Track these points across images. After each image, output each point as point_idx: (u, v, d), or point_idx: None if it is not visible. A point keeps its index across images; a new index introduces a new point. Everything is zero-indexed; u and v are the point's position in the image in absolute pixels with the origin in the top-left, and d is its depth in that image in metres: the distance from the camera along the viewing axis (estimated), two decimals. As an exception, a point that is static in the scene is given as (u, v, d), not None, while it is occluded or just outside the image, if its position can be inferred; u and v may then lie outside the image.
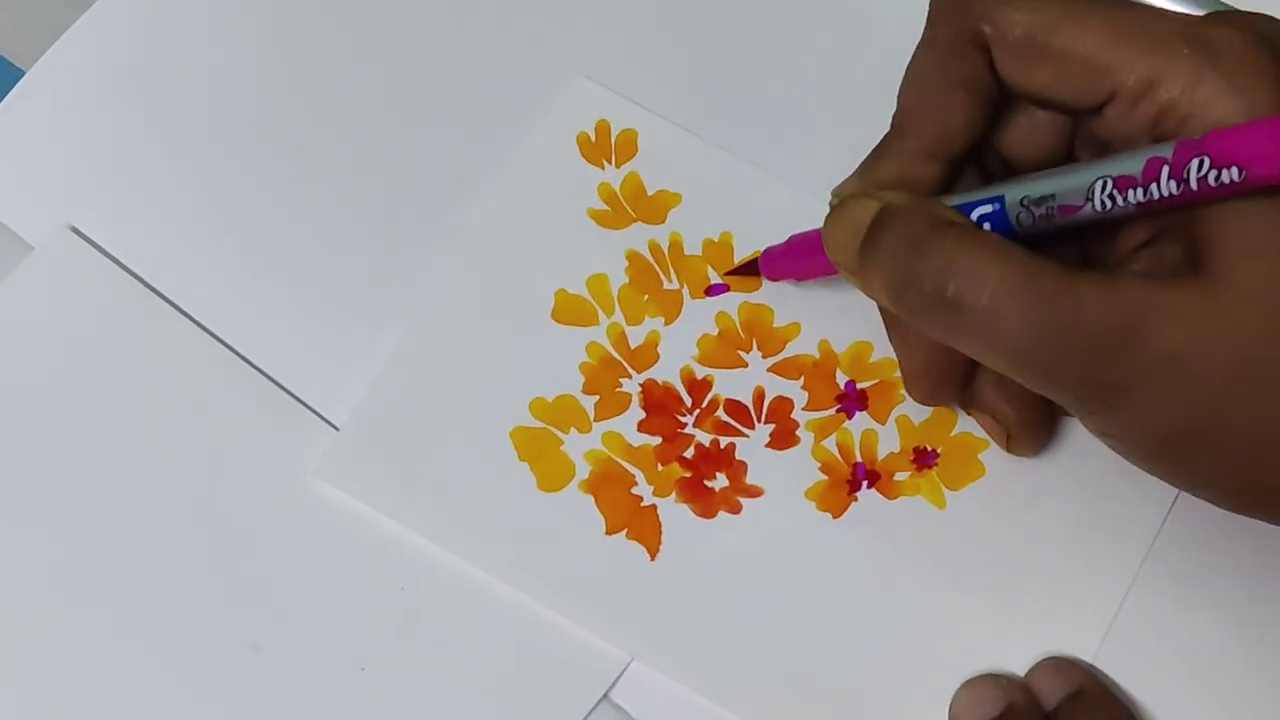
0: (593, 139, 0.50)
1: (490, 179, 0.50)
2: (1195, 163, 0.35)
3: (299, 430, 0.47)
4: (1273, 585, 0.46)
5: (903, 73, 0.43)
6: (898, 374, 0.48)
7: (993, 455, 0.47)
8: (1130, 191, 0.37)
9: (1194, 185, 0.35)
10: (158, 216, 0.49)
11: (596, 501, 0.47)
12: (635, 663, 0.46)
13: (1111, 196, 0.37)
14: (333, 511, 0.46)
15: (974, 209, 0.40)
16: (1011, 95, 0.42)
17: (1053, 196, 0.39)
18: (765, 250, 0.48)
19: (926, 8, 0.42)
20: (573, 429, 0.47)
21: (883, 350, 0.48)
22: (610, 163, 0.50)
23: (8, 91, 0.50)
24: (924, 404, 0.46)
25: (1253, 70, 0.36)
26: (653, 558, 0.46)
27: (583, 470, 0.47)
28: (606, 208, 0.49)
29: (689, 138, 0.50)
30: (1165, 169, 0.36)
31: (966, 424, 0.47)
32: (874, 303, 0.47)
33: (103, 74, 0.51)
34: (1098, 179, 0.37)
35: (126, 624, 0.46)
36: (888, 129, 0.43)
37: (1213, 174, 0.35)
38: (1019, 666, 0.45)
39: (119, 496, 0.47)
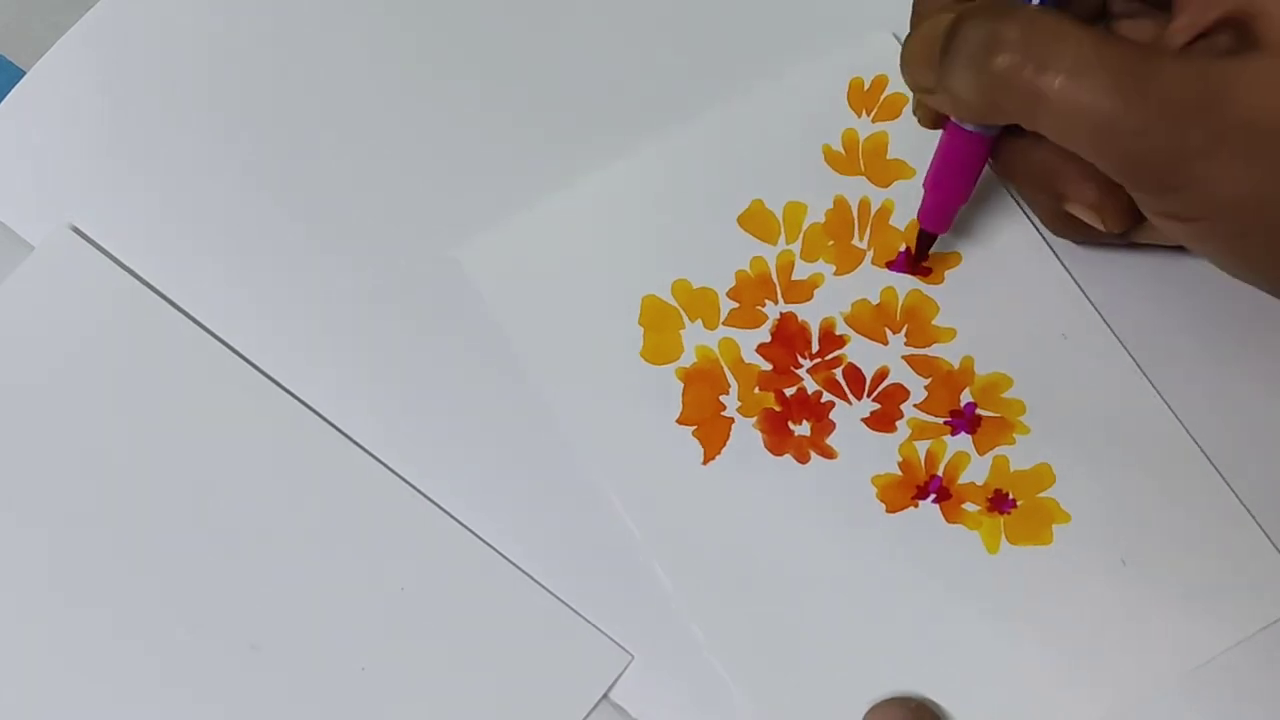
0: (865, 88, 0.51)
1: (749, 91, 0.50)
2: None
3: (299, 430, 0.47)
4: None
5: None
6: (1022, 418, 0.47)
7: (1068, 532, 0.46)
8: None
9: None
10: (158, 216, 0.49)
11: (684, 390, 0.48)
12: (635, 663, 0.46)
13: None
14: (332, 511, 0.47)
15: None
16: None
17: None
18: (919, 212, 0.47)
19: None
20: (700, 321, 0.48)
21: (1019, 391, 0.47)
22: (869, 115, 0.50)
23: (8, 91, 0.50)
24: (1123, 228, 0.43)
25: None
26: (705, 462, 0.47)
27: (688, 358, 0.48)
28: (842, 151, 0.50)
29: (949, 125, 0.50)
30: None
31: (1059, 492, 0.46)
32: (1029, 339, 0.46)
33: (103, 74, 0.50)
34: None
35: (126, 623, 0.46)
36: None
37: None
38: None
39: (118, 496, 0.47)
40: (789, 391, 0.48)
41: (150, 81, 0.50)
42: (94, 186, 0.49)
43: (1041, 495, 0.46)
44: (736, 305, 0.48)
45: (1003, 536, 0.46)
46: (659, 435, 0.47)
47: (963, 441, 0.47)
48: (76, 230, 0.49)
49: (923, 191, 0.46)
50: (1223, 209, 0.38)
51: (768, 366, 0.48)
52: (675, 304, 0.48)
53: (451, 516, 0.47)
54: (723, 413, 0.47)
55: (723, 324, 0.48)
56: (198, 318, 0.48)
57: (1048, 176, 0.43)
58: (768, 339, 0.48)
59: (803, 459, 0.47)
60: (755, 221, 0.49)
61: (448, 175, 0.50)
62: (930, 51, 0.41)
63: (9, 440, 0.47)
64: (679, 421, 0.47)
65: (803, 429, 0.47)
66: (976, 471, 0.46)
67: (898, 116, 0.50)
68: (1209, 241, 0.40)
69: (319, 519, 0.47)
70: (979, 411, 0.47)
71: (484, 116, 0.50)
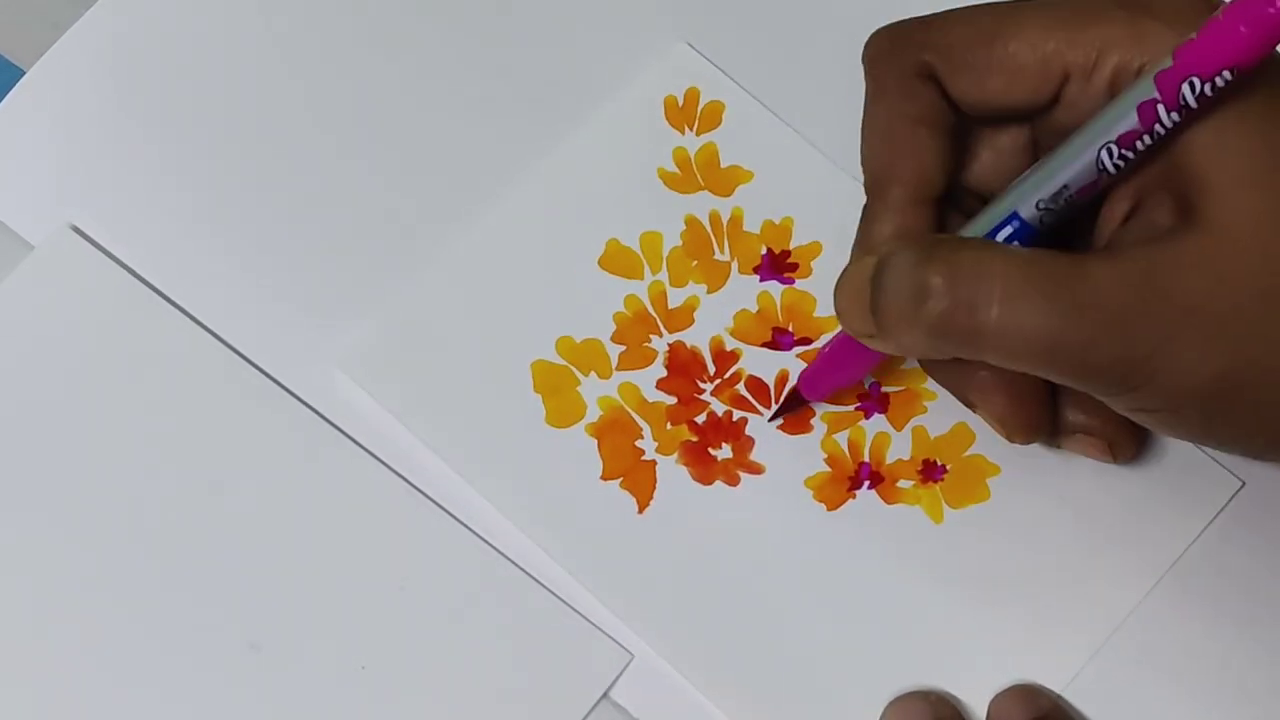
0: (680, 104, 0.51)
1: (568, 138, 0.50)
2: (1186, 86, 0.35)
3: (298, 430, 0.47)
4: (1257, 664, 0.45)
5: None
6: (926, 384, 0.48)
7: (1001, 483, 0.47)
8: (1138, 142, 0.37)
9: (1194, 104, 0.36)
10: (158, 216, 0.49)
11: (599, 446, 0.47)
12: (635, 662, 0.46)
13: (1123, 157, 0.37)
14: (332, 511, 0.46)
15: (996, 234, 0.40)
16: (969, 121, 0.42)
17: (1066, 188, 0.39)
18: (801, 373, 0.47)
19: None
20: (593, 373, 0.48)
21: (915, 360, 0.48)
22: (691, 129, 0.50)
23: (8, 91, 0.50)
24: (1028, 442, 0.44)
25: (1183, 6, 0.37)
26: (641, 511, 0.47)
27: (593, 413, 0.47)
28: (677, 171, 0.50)
29: (773, 120, 0.50)
30: (1159, 107, 0.36)
31: (982, 446, 0.47)
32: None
33: (103, 74, 0.50)
34: (1100, 149, 0.37)
35: (127, 623, 0.46)
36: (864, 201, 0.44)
37: (1207, 86, 0.35)
38: (987, 690, 0.45)
39: (119, 496, 0.46)
40: (700, 419, 0.47)
41: (150, 81, 0.50)
42: (94, 186, 0.49)
43: (967, 454, 0.47)
44: (624, 348, 0.48)
45: (943, 504, 0.46)
46: (589, 497, 0.47)
47: (878, 422, 0.47)
48: (76, 230, 0.49)
49: (816, 357, 0.47)
50: (1185, 399, 0.37)
51: (672, 400, 0.48)
52: (565, 363, 0.48)
53: (451, 515, 0.46)
54: (643, 458, 0.47)
55: (616, 370, 0.48)
56: (198, 317, 0.48)
57: (958, 385, 0.43)
58: (664, 373, 0.48)
59: (733, 482, 0.47)
60: (616, 261, 0.49)
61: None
62: (860, 301, 0.40)
63: (7, 440, 0.47)
64: (603, 478, 0.47)
65: (724, 452, 0.47)
66: (900, 448, 0.47)
67: (719, 125, 0.50)
68: (1179, 428, 0.39)
69: (319, 518, 0.46)
70: (884, 389, 0.48)
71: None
